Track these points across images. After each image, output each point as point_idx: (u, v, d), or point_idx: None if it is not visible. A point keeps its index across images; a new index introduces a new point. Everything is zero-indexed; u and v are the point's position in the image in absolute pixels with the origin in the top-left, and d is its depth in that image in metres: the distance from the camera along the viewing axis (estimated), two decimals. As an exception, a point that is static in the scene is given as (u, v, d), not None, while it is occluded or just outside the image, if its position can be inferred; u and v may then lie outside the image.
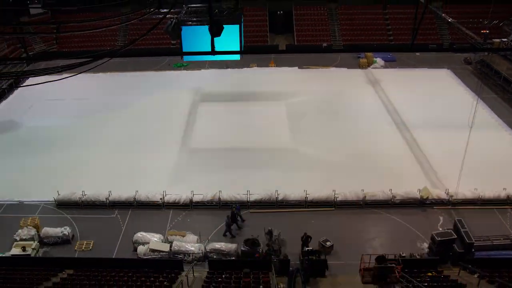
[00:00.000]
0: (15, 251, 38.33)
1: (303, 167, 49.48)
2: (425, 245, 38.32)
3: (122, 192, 45.21)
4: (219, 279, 31.78)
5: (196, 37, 35.99)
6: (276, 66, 76.59)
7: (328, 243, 37.92)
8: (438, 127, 56.23)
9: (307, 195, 43.87)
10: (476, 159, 46.34)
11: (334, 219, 42.37)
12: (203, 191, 44.83)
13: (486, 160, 49.08)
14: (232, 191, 44.91)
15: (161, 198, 44.54)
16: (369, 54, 76.21)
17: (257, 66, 76.62)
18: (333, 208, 43.48)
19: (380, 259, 32.62)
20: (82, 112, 63.23)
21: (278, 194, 44.07)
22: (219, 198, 44.24)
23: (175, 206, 44.39)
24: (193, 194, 44.50)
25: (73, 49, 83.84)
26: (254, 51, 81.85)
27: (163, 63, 78.19)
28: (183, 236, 39.60)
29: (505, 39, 68.04)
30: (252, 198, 44.22)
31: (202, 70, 75.97)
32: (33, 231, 39.92)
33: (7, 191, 46.70)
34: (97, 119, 61.07)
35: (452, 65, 74.83)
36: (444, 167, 48.09)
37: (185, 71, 75.71)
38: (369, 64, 75.70)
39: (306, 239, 37.61)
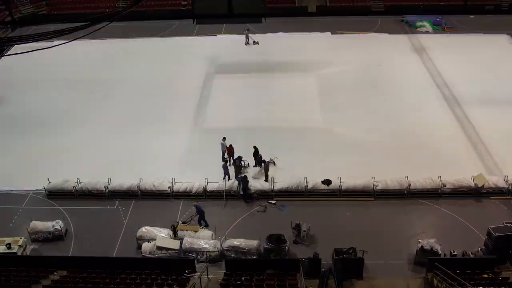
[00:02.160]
0: None
1: (336, 150, 49.39)
2: (481, 241, 38.12)
3: (124, 179, 45.20)
4: (238, 282, 31.60)
5: (211, -4, 35.93)
6: (306, 31, 76.14)
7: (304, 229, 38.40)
8: (495, 102, 55.86)
9: (342, 183, 43.76)
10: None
11: (373, 211, 42.32)
12: (219, 179, 45.06)
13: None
14: (253, 178, 45.13)
15: (169, 187, 44.55)
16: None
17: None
18: (372, 199, 43.49)
19: None
20: (76, 86, 63.40)
21: (307, 182, 44.02)
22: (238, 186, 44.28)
23: (186, 195, 44.40)
24: (208, 182, 44.51)
25: (65, 12, 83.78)
26: (279, 14, 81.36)
27: (172, 28, 78.29)
28: (196, 232, 39.64)
29: None
30: (277, 186, 44.16)
31: (218, 36, 75.91)
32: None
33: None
34: (94, 95, 61.32)
35: (512, 30, 74.26)
36: (503, 150, 47.90)
37: (198, 37, 75.55)
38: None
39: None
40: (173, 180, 44.90)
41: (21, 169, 48.20)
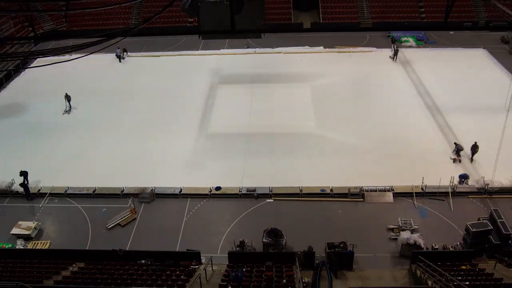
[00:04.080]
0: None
1: (329, 154, 49.64)
2: (459, 236, 38.32)
3: (135, 181, 45.72)
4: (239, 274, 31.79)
5: (215, 14, 35.97)
6: (300, 45, 76.24)
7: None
8: (473, 110, 55.99)
9: (332, 188, 44.22)
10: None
11: (362, 209, 42.61)
12: (222, 178, 45.53)
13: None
14: (254, 179, 45.47)
15: (180, 191, 44.65)
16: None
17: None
18: (362, 199, 43.58)
19: None
20: (92, 96, 63.44)
21: (301, 188, 44.27)
22: (240, 187, 44.62)
23: (193, 195, 44.57)
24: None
25: (83, 28, 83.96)
26: (277, 29, 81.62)
27: (180, 43, 78.27)
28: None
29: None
30: (275, 186, 44.47)
31: (221, 49, 75.98)
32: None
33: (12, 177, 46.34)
34: (108, 104, 61.41)
35: (488, 45, 74.11)
36: (479, 154, 47.75)
37: (202, 51, 75.69)
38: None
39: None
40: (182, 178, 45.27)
41: (40, 170, 47.68)
